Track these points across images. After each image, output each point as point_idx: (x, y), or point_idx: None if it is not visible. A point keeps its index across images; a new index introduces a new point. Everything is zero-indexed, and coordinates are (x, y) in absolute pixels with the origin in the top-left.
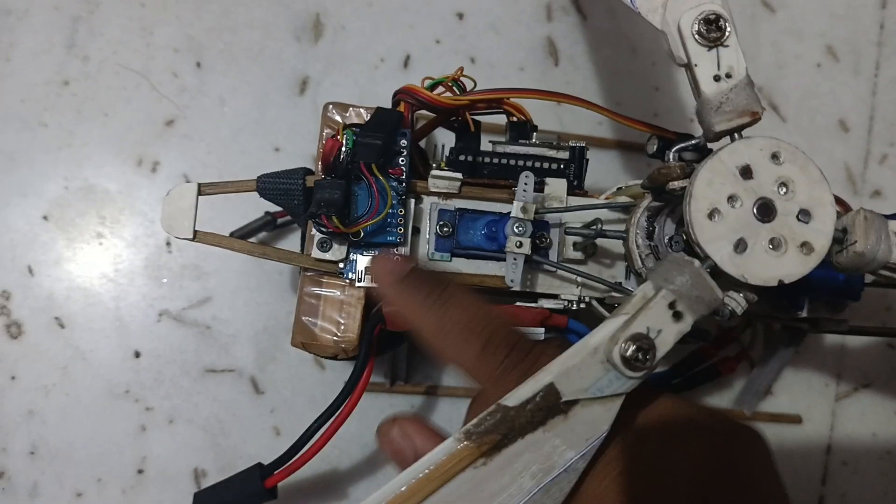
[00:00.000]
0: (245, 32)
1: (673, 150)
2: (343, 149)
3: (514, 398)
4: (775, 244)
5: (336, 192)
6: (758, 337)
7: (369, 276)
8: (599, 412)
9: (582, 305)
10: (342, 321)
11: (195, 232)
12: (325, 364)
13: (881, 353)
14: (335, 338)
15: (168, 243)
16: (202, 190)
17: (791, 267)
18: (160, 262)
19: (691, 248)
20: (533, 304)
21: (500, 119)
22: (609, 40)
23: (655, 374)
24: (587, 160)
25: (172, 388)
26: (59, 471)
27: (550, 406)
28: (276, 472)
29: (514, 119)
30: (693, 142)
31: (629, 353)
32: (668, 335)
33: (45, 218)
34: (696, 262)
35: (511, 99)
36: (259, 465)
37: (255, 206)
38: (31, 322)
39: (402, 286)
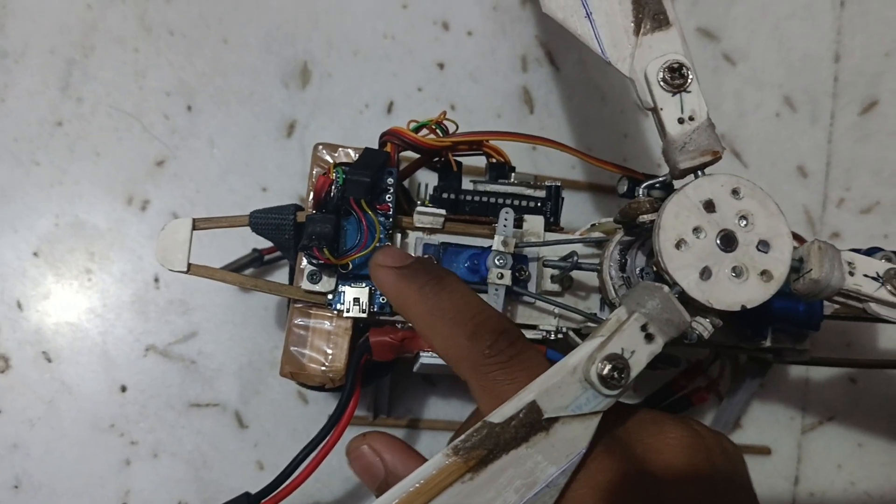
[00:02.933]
0: (235, 77)
1: (642, 186)
2: (334, 185)
3: (498, 415)
4: (737, 272)
5: (327, 226)
6: (725, 370)
7: (356, 307)
8: (579, 429)
9: (559, 336)
10: (330, 351)
11: (189, 265)
12: (309, 398)
13: (843, 388)
14: (323, 367)
15: (156, 279)
16: (196, 225)
17: (752, 293)
18: (147, 297)
19: (661, 277)
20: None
21: (480, 161)
22: (580, 90)
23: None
24: (562, 198)
25: (157, 422)
26: None
27: (533, 423)
28: (262, 502)
29: (494, 160)
30: (660, 179)
31: (605, 371)
32: (641, 356)
33: (35, 254)
34: (666, 288)
35: (490, 141)
36: (246, 494)
37: (242, 244)
38: (18, 355)
39: (402, 273)
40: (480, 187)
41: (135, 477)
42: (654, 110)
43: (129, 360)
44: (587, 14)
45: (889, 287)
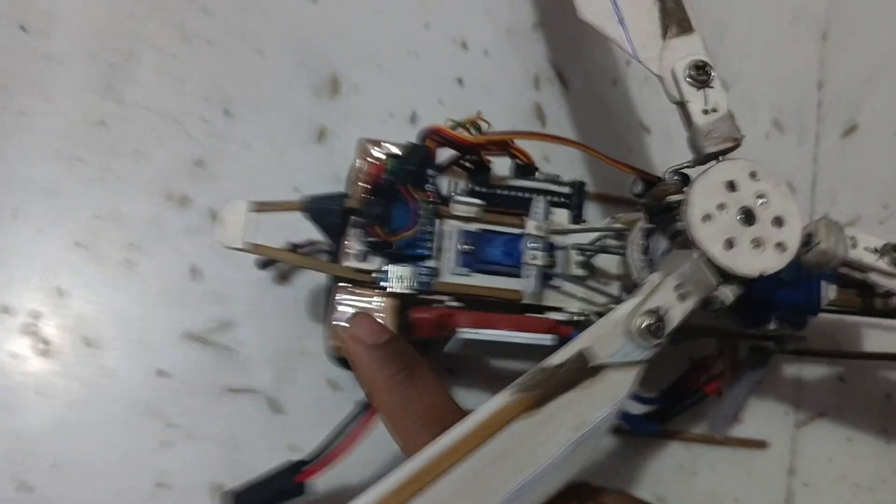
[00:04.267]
0: (269, 86)
1: (667, 171)
2: (385, 173)
3: (554, 360)
4: (756, 243)
5: (380, 208)
6: (729, 363)
7: (401, 284)
8: (621, 377)
9: (582, 318)
10: None
11: (246, 243)
12: (339, 385)
13: (833, 387)
14: None
15: (193, 271)
16: (253, 207)
17: (770, 262)
18: (185, 288)
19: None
20: (540, 316)
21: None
22: (588, 107)
23: (647, 400)
24: (586, 194)
25: (192, 406)
26: (80, 483)
27: (581, 370)
28: (309, 467)
29: (519, 162)
30: (685, 164)
31: (644, 325)
32: (675, 313)
33: (76, 244)
34: (696, 253)
35: (516, 143)
36: (291, 461)
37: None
38: (60, 340)
39: (377, 353)
40: (510, 182)
41: (170, 458)
42: (682, 103)
43: (166, 347)
44: (619, 20)
45: (886, 259)
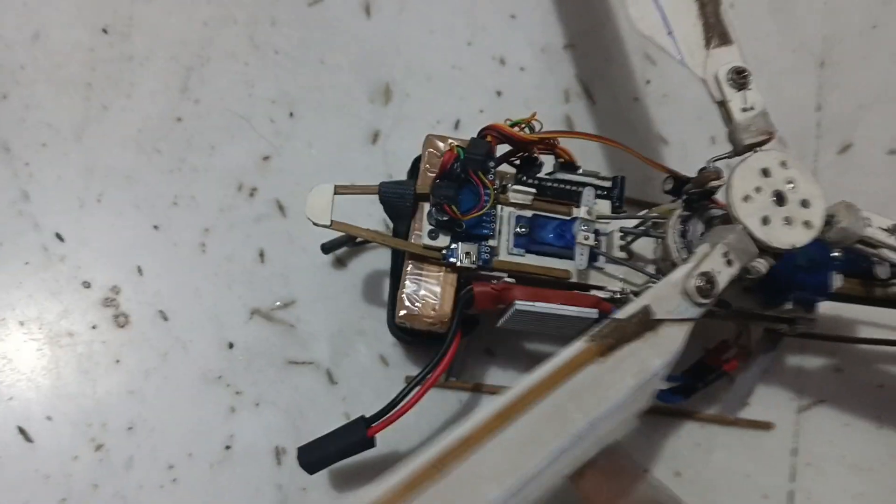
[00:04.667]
0: (330, 92)
1: (709, 160)
2: (457, 161)
3: (622, 314)
4: (787, 221)
5: (452, 190)
6: (749, 341)
7: (467, 259)
8: (677, 331)
9: (621, 296)
10: (436, 301)
11: (332, 221)
12: (389, 361)
13: (832, 376)
14: (432, 313)
15: (261, 254)
16: (337, 190)
17: (799, 237)
18: (254, 270)
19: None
20: (585, 293)
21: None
22: (612, 119)
23: (673, 377)
24: (625, 187)
25: (259, 377)
26: (153, 445)
27: (645, 322)
28: (377, 423)
29: (562, 160)
30: (724, 155)
31: (698, 285)
32: (722, 277)
33: (155, 227)
34: (740, 226)
35: (560, 143)
36: (363, 417)
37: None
38: (137, 314)
39: None
40: (557, 176)
41: (238, 423)
42: (724, 102)
43: (236, 322)
44: (669, 32)
45: None
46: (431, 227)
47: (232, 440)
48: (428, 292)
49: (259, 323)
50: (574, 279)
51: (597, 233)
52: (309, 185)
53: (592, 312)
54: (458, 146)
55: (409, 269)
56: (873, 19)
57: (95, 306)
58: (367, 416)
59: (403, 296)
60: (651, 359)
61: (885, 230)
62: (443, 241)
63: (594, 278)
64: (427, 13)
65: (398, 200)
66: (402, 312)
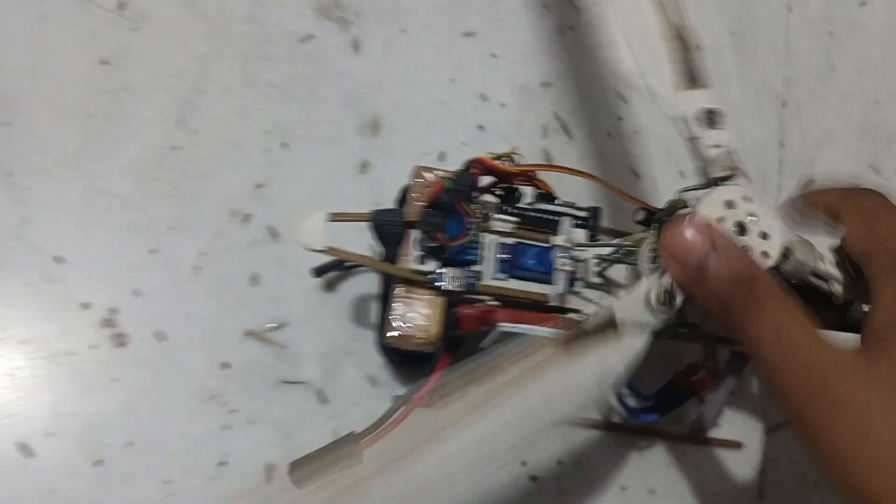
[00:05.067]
0: (320, 125)
1: (679, 190)
2: (445, 192)
3: (590, 319)
4: (747, 250)
5: (440, 218)
6: (717, 363)
7: (454, 283)
8: (639, 338)
9: None
10: (425, 322)
11: (324, 245)
12: (378, 381)
13: None
14: (421, 334)
15: (253, 278)
16: (330, 217)
17: None
18: (247, 293)
19: None
20: (563, 315)
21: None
22: (588, 155)
23: (645, 398)
24: (601, 217)
25: (253, 395)
26: (150, 461)
27: (608, 325)
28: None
29: (542, 192)
30: (695, 185)
31: (659, 296)
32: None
33: (151, 251)
34: None
35: (539, 175)
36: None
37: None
38: (135, 334)
39: None
40: (536, 205)
41: (231, 440)
42: (694, 140)
43: (230, 342)
44: (644, 76)
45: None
46: (420, 253)
47: (226, 457)
48: (416, 314)
49: (252, 344)
50: (553, 303)
51: (574, 259)
52: (300, 212)
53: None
54: (445, 178)
55: (397, 292)
56: (832, 63)
57: (94, 327)
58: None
59: (392, 317)
60: (611, 358)
61: (834, 264)
62: (430, 266)
63: (572, 302)
64: (412, 52)
65: (389, 227)
66: (392, 333)
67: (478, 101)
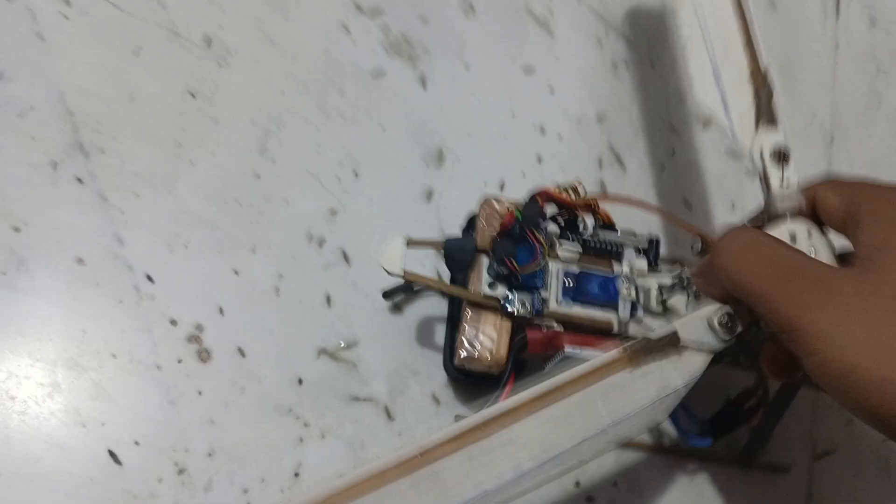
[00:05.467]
0: (389, 154)
1: (746, 221)
2: (515, 222)
3: (655, 334)
4: None
5: (512, 246)
6: (768, 390)
7: (524, 308)
8: (697, 358)
9: None
10: (494, 345)
11: (403, 270)
12: (441, 400)
13: (843, 424)
14: (489, 356)
15: (328, 299)
16: (408, 242)
17: None
18: (321, 312)
19: None
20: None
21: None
22: (641, 185)
23: (700, 421)
24: (659, 247)
25: (325, 410)
26: (230, 470)
27: (672, 344)
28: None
29: (603, 222)
30: (758, 212)
31: (722, 321)
32: (744, 318)
33: (235, 272)
34: None
35: (601, 206)
36: None
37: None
38: (218, 350)
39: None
40: (598, 235)
41: (306, 452)
42: (764, 176)
43: (305, 360)
44: (726, 110)
45: None
46: (490, 279)
47: (300, 468)
48: (485, 337)
49: (325, 361)
50: (616, 330)
51: (637, 288)
52: (371, 237)
53: None
54: (515, 208)
55: (467, 316)
56: (878, 96)
57: (181, 342)
58: None
59: (463, 339)
60: (673, 376)
61: None
62: (501, 291)
63: (633, 329)
64: (475, 87)
65: (460, 254)
66: (462, 355)
67: (536, 134)
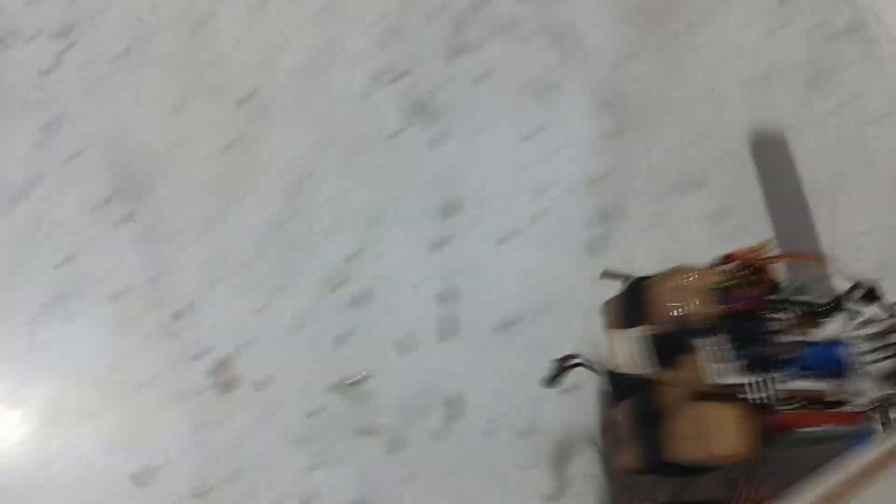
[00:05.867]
0: (407, 206)
1: None
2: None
3: None
4: None
5: (759, 326)
6: None
7: (767, 393)
8: None
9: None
10: (731, 435)
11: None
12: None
13: None
14: (732, 448)
15: (341, 338)
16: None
17: None
18: (332, 352)
19: None
20: (845, 410)
21: None
22: (636, 242)
23: None
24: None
25: (335, 441)
26: (247, 494)
27: None
28: None
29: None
30: None
31: None
32: None
33: (258, 310)
34: None
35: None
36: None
37: None
38: (240, 382)
39: None
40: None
41: (315, 480)
42: None
43: (319, 393)
44: None
45: None
46: (728, 364)
47: (309, 494)
48: (716, 429)
49: (334, 396)
50: (832, 398)
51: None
52: (386, 282)
53: (851, 430)
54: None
55: (681, 407)
56: None
57: (205, 374)
58: None
59: (685, 435)
60: None
61: None
62: (736, 376)
63: (864, 393)
64: (488, 146)
65: (674, 339)
66: (701, 455)
67: (535, 192)
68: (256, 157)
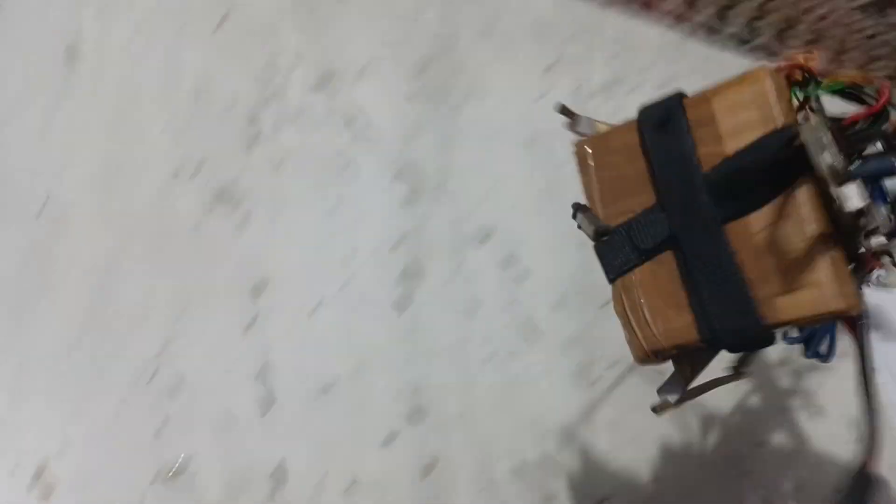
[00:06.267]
0: (216, 289)
1: None
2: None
3: None
4: None
5: None
6: None
7: None
8: None
9: None
10: None
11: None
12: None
13: None
14: None
15: (159, 430)
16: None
17: None
18: (153, 441)
19: None
20: None
21: None
22: (437, 296)
23: None
24: None
25: None
26: None
27: None
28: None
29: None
30: None
31: None
32: None
33: (73, 414)
34: None
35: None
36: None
37: None
38: (61, 486)
39: None
40: None
41: None
42: None
43: (139, 487)
44: None
45: None
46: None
47: None
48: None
49: (159, 488)
50: None
51: None
52: (201, 365)
53: None
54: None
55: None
56: None
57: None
58: None
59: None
60: None
61: None
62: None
63: None
64: (290, 226)
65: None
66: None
67: (341, 261)
68: (57, 269)
